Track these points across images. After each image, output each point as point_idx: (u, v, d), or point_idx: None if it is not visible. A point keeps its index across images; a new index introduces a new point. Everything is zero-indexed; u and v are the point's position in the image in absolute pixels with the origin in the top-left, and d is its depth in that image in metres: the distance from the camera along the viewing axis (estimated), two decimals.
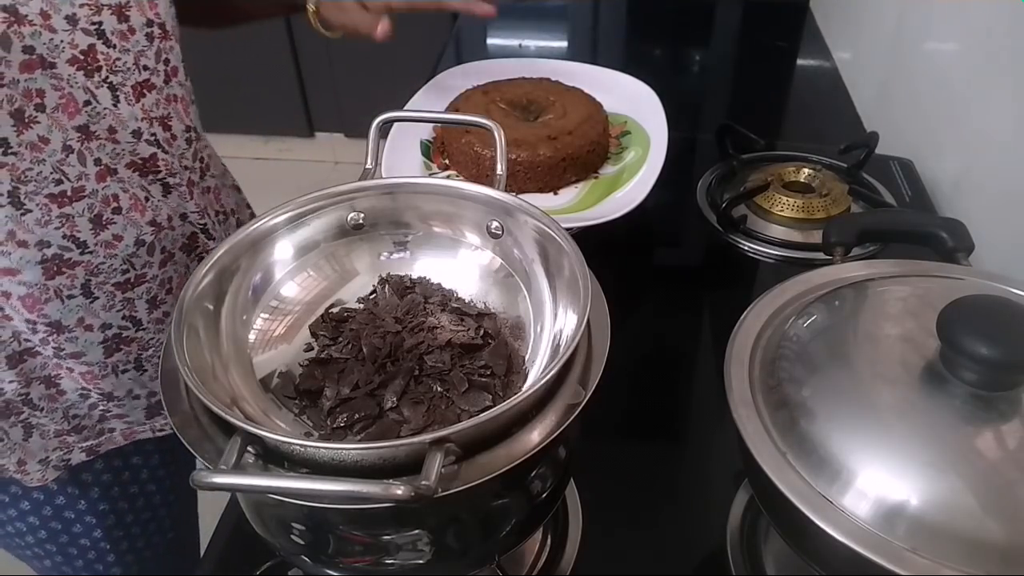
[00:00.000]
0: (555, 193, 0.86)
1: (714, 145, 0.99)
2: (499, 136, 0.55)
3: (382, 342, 0.51)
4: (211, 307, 0.48)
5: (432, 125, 0.91)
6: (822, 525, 0.38)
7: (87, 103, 0.58)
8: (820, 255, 0.73)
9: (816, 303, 0.50)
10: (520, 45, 1.40)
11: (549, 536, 0.58)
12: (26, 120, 0.54)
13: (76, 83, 0.57)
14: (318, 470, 0.38)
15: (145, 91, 0.61)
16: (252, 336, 0.51)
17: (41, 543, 0.75)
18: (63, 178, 0.57)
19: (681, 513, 0.61)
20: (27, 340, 0.63)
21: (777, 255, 0.84)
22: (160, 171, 0.64)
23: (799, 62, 1.33)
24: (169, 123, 0.64)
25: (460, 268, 0.56)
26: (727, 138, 0.98)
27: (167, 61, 0.64)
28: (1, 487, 0.70)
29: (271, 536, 0.46)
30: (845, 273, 0.54)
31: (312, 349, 0.52)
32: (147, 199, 0.64)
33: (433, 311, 0.54)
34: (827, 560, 0.42)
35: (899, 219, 0.67)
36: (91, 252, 0.61)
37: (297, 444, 0.38)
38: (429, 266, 0.57)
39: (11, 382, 0.64)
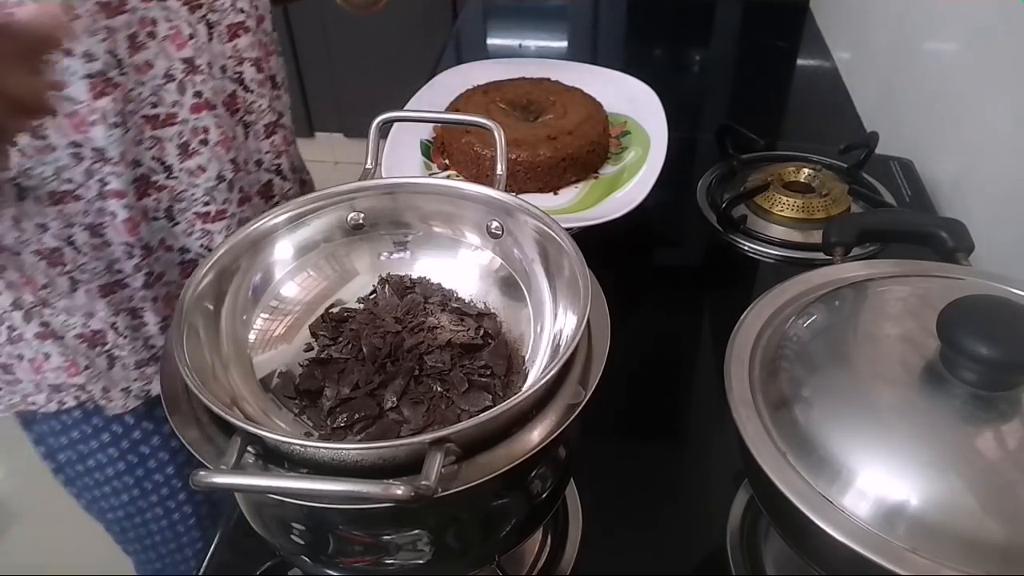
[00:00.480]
0: (555, 193, 0.86)
1: (714, 145, 0.99)
2: (499, 136, 0.55)
3: (382, 342, 0.51)
4: (211, 307, 0.48)
5: (432, 125, 0.91)
6: (822, 525, 0.38)
7: (191, 36, 0.62)
8: (820, 255, 0.73)
9: (816, 303, 0.50)
10: (520, 45, 1.40)
11: (549, 536, 0.58)
12: (136, 44, 0.59)
13: (181, 16, 0.61)
14: (318, 470, 0.38)
15: (239, 32, 0.66)
16: (252, 336, 0.51)
17: (120, 475, 0.78)
18: (159, 102, 0.62)
19: (681, 513, 0.61)
20: (119, 270, 0.67)
21: (777, 255, 0.84)
22: (239, 110, 0.69)
23: (799, 62, 1.33)
24: (254, 66, 0.69)
25: (460, 268, 0.56)
26: (727, 138, 0.98)
27: (256, 7, 0.69)
28: (85, 419, 0.73)
29: (271, 536, 0.46)
30: (845, 273, 0.54)
31: (312, 349, 0.52)
32: (233, 138, 0.69)
33: (433, 311, 0.54)
34: (827, 560, 0.42)
35: (899, 219, 0.67)
36: (175, 178, 0.66)
37: (297, 444, 0.38)
38: (429, 266, 0.57)
39: (101, 311, 0.67)
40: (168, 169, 0.65)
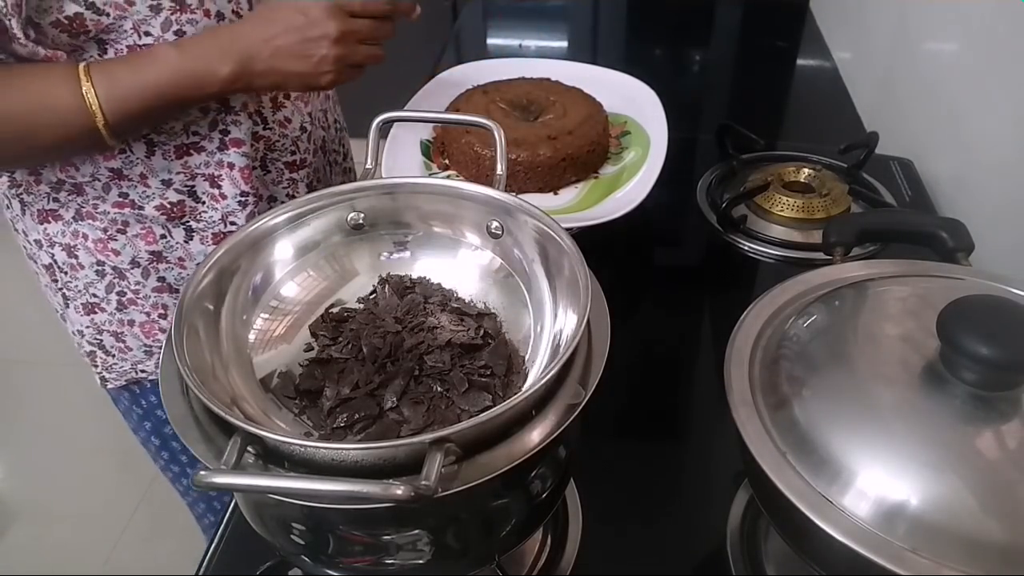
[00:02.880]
0: (555, 193, 0.86)
1: (714, 145, 0.99)
2: (499, 136, 0.55)
3: (382, 342, 0.51)
4: (211, 307, 0.48)
5: (432, 125, 0.91)
6: (822, 525, 0.38)
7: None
8: (820, 255, 0.73)
9: (816, 303, 0.50)
10: (520, 45, 1.40)
11: (549, 536, 0.58)
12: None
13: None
14: (318, 470, 0.38)
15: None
16: (252, 336, 0.51)
17: None
18: None
19: (681, 513, 0.61)
20: (232, 223, 0.72)
21: (777, 255, 0.84)
22: None
23: (799, 62, 1.33)
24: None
25: (460, 268, 0.56)
26: (727, 138, 0.98)
27: None
28: None
29: (271, 536, 0.46)
30: (845, 273, 0.54)
31: (312, 349, 0.52)
32: (306, 92, 0.74)
33: (433, 311, 0.54)
34: (827, 560, 0.42)
35: (899, 219, 0.67)
36: (270, 128, 0.72)
37: (297, 444, 0.38)
38: (429, 266, 0.57)
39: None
40: (264, 120, 0.71)
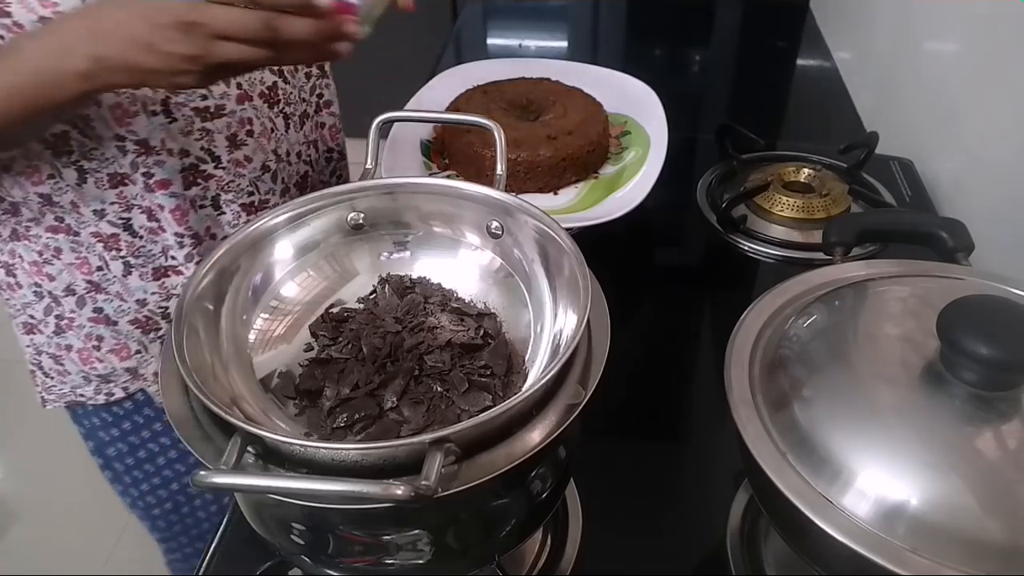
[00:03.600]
0: (555, 193, 0.86)
1: (714, 145, 0.99)
2: (499, 136, 0.55)
3: (382, 342, 0.51)
4: (211, 307, 0.48)
5: (432, 125, 0.91)
6: (822, 525, 0.38)
7: (272, 130, 0.65)
8: (820, 255, 0.73)
9: (816, 303, 0.50)
10: (520, 45, 1.40)
11: (549, 536, 0.58)
12: None
13: (263, 113, 0.64)
14: (318, 470, 0.38)
15: (304, 120, 0.68)
16: (252, 336, 0.51)
17: (170, 463, 0.79)
18: (208, 94, 0.63)
19: (681, 513, 0.61)
20: (173, 257, 0.68)
21: (777, 255, 0.84)
22: (280, 101, 0.69)
23: (799, 62, 1.33)
24: (317, 143, 0.70)
25: (460, 268, 0.56)
26: (727, 138, 0.98)
27: (320, 95, 0.70)
28: (135, 409, 0.75)
29: (271, 536, 0.46)
30: (845, 273, 0.54)
31: (312, 349, 0.52)
32: (272, 130, 0.69)
33: (433, 311, 0.54)
34: (827, 560, 0.42)
35: (899, 219, 0.67)
36: (223, 168, 0.67)
37: (297, 444, 0.38)
38: (429, 266, 0.57)
39: (154, 294, 0.69)
40: (216, 158, 0.66)
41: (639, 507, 0.61)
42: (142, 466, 0.79)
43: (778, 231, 0.86)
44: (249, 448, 0.38)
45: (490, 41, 1.44)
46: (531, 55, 1.26)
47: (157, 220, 0.66)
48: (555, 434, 0.40)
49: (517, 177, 0.84)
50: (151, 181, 0.63)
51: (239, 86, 0.65)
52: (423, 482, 0.34)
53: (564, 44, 1.44)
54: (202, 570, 0.57)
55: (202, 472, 0.35)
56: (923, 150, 0.96)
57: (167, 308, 0.70)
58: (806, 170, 0.92)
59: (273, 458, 0.39)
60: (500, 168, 0.55)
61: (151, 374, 0.72)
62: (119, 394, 0.73)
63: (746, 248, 0.85)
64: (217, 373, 0.46)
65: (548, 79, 0.96)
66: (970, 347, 0.39)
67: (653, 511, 0.61)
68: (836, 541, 0.37)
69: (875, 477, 0.39)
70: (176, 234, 0.67)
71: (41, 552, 1.49)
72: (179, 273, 0.69)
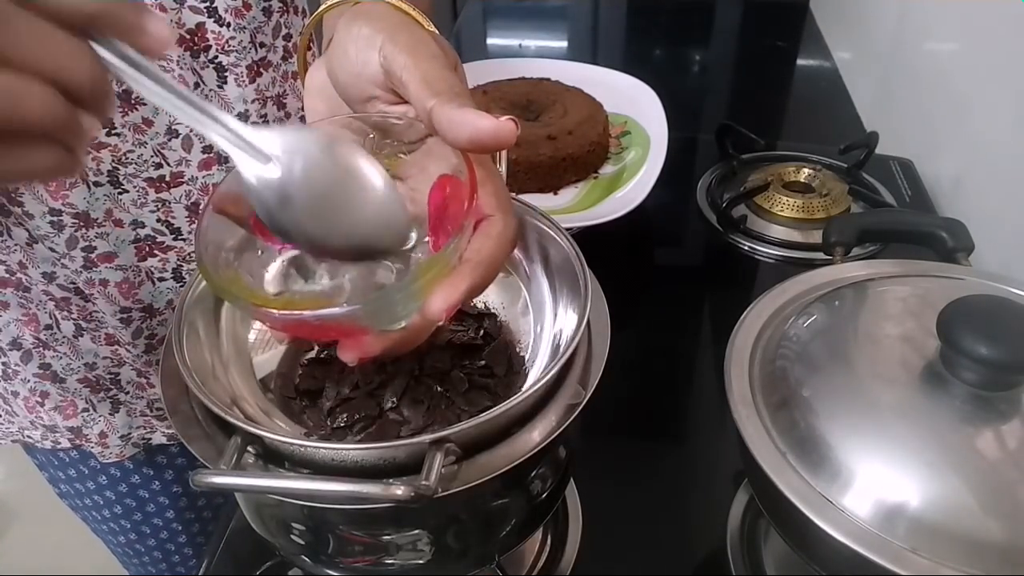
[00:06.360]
0: (555, 193, 0.86)
1: (714, 145, 0.99)
2: None
3: None
4: (211, 307, 0.48)
5: None
6: (822, 525, 0.38)
7: (196, 85, 0.54)
8: (820, 255, 0.73)
9: (816, 303, 0.50)
10: (520, 45, 1.40)
11: (549, 536, 0.58)
12: (132, 101, 0.53)
13: (184, 64, 0.54)
14: (318, 470, 0.38)
15: (261, 70, 0.58)
16: (252, 336, 0.51)
17: (116, 518, 0.75)
18: (163, 162, 0.56)
19: (681, 513, 0.61)
20: (122, 333, 0.63)
21: (777, 255, 0.84)
22: None
23: (799, 62, 1.33)
24: (284, 102, 0.61)
25: None
26: (727, 138, 0.98)
27: (288, 36, 0.60)
28: (82, 459, 0.71)
29: (271, 536, 0.46)
30: (845, 273, 0.54)
31: (312, 349, 0.52)
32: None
33: None
34: (827, 560, 0.42)
35: (899, 219, 0.67)
36: (184, 239, 0.60)
37: (297, 444, 0.38)
38: None
39: (105, 358, 0.65)
40: (176, 231, 0.60)
41: (639, 507, 0.61)
42: (90, 511, 0.76)
43: (778, 231, 0.86)
44: (249, 448, 0.38)
45: (490, 41, 1.44)
46: (531, 55, 1.26)
47: (106, 284, 0.60)
48: (555, 434, 0.40)
49: (517, 177, 0.84)
50: (93, 255, 0.58)
51: (206, 150, 0.57)
52: (423, 482, 0.34)
53: (564, 44, 1.44)
54: (202, 570, 0.57)
55: (202, 472, 0.35)
56: (923, 150, 0.96)
57: (118, 374, 0.66)
58: (806, 170, 0.92)
59: (273, 458, 0.39)
60: (500, 168, 0.55)
61: (96, 435, 0.67)
62: (65, 444, 0.68)
63: (746, 248, 0.85)
64: (217, 373, 0.46)
65: (548, 79, 0.96)
66: (970, 347, 0.40)
67: (653, 511, 0.61)
68: (836, 541, 0.37)
69: (875, 477, 0.39)
70: (123, 309, 0.61)
71: (41, 552, 1.49)
72: (129, 348, 0.63)
